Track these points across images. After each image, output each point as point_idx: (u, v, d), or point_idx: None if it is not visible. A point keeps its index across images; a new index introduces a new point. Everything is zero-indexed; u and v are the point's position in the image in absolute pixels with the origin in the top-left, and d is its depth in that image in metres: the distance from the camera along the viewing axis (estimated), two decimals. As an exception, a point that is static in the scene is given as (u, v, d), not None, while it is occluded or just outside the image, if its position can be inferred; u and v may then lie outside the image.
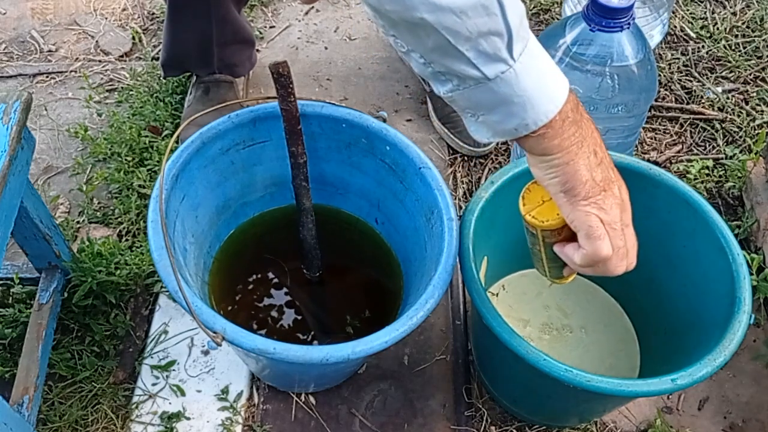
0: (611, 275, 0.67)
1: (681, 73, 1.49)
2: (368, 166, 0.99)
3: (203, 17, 1.21)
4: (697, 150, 1.37)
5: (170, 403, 1.05)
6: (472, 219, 0.88)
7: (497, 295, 1.09)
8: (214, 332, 0.75)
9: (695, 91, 1.45)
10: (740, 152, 1.35)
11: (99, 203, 1.27)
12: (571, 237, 0.68)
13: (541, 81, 0.59)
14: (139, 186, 1.27)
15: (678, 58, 1.51)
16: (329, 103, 0.94)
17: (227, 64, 1.32)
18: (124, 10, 1.62)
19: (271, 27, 1.59)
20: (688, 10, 1.61)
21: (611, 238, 0.64)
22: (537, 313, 1.08)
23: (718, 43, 1.54)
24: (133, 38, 1.56)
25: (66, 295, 1.09)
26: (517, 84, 0.58)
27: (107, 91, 1.46)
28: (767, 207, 1.20)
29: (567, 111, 0.60)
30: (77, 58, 1.52)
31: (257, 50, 1.45)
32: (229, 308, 1.02)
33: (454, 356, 1.10)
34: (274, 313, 1.04)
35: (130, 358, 1.08)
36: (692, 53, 1.53)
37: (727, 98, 1.44)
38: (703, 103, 1.44)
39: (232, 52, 1.31)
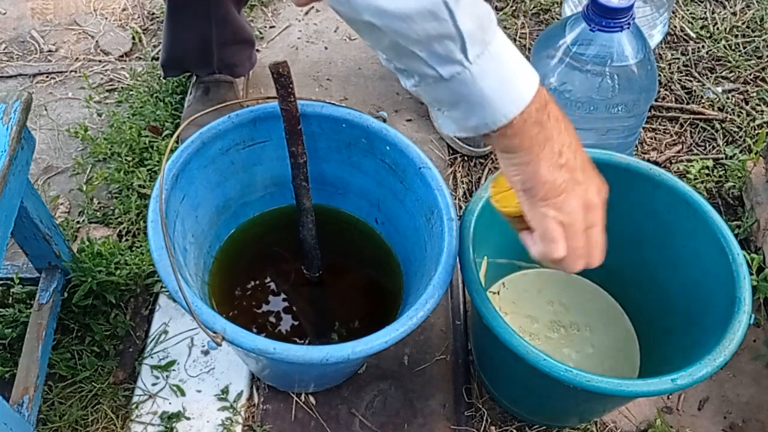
0: (568, 272, 0.69)
1: (681, 73, 1.49)
2: (368, 166, 0.99)
3: (203, 17, 1.21)
4: (697, 150, 1.37)
5: (170, 403, 1.05)
6: (472, 219, 0.88)
7: (498, 293, 1.09)
8: (214, 332, 0.75)
9: (695, 91, 1.45)
10: (740, 152, 1.35)
11: (99, 203, 1.27)
12: None
13: (501, 82, 0.59)
14: (139, 186, 1.27)
15: (678, 58, 1.51)
16: (329, 103, 0.94)
17: (227, 64, 1.32)
18: (124, 10, 1.62)
19: (271, 27, 1.59)
20: (688, 10, 1.61)
21: (568, 239, 0.65)
22: (542, 309, 1.08)
23: (718, 43, 1.54)
24: (133, 38, 1.56)
25: (66, 295, 1.09)
26: (474, 85, 0.59)
27: (107, 91, 1.46)
28: (767, 207, 1.20)
29: (531, 111, 0.60)
30: (77, 58, 1.52)
31: (257, 50, 1.45)
32: (229, 308, 1.02)
33: (454, 356, 1.10)
34: (274, 313, 1.04)
35: (130, 358, 1.08)
36: (692, 53, 1.53)
37: (727, 98, 1.44)
38: (703, 103, 1.44)
39: (232, 52, 1.31)
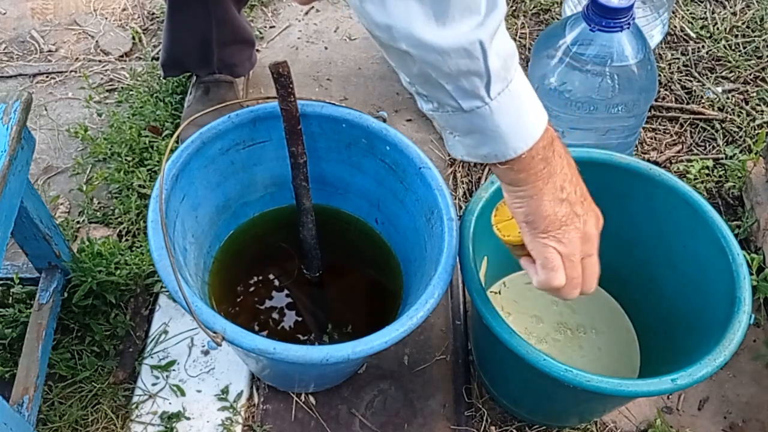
0: (564, 299, 0.72)
1: (681, 73, 1.49)
2: (368, 166, 0.99)
3: (203, 17, 1.21)
4: (697, 150, 1.37)
5: (170, 403, 1.05)
6: (472, 219, 0.88)
7: (499, 293, 1.09)
8: (214, 332, 0.75)
9: (695, 91, 1.45)
10: (740, 152, 1.35)
11: (99, 203, 1.27)
12: None
13: (515, 119, 0.62)
14: (139, 186, 1.27)
15: (678, 58, 1.51)
16: (329, 103, 0.94)
17: (227, 64, 1.32)
18: (124, 10, 1.62)
19: (271, 27, 1.59)
20: (688, 10, 1.61)
21: (567, 269, 0.68)
22: (547, 309, 1.08)
23: (718, 43, 1.54)
24: (133, 38, 1.56)
25: (66, 295, 1.09)
26: (491, 119, 0.61)
27: (107, 91, 1.46)
28: (767, 207, 1.20)
29: (538, 148, 0.63)
30: (77, 58, 1.52)
31: (257, 50, 1.45)
32: (229, 308, 1.02)
33: (454, 356, 1.10)
34: (274, 313, 1.04)
35: (130, 358, 1.08)
36: (692, 53, 1.53)
37: (727, 98, 1.44)
38: (703, 103, 1.44)
39: (231, 52, 1.31)
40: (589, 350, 1.04)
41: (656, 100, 1.43)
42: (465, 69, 0.58)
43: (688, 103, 1.44)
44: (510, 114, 0.61)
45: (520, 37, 1.55)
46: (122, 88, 1.46)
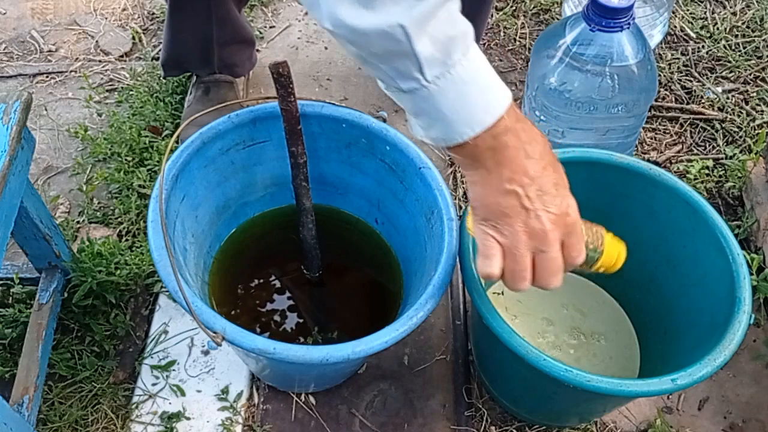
0: (511, 289, 0.71)
1: (681, 73, 1.49)
2: (368, 166, 0.99)
3: (204, 17, 1.21)
4: (697, 150, 1.37)
5: (170, 403, 1.05)
6: (472, 219, 0.88)
7: (502, 293, 1.09)
8: (214, 332, 0.75)
9: (695, 91, 1.45)
10: (740, 152, 1.35)
11: (99, 203, 1.27)
12: None
13: (460, 104, 0.60)
14: (139, 186, 1.27)
15: (678, 58, 1.51)
16: (329, 103, 0.94)
17: (227, 64, 1.32)
18: (124, 10, 1.62)
19: (271, 27, 1.59)
20: (688, 10, 1.61)
21: (508, 260, 0.67)
22: (558, 312, 1.08)
23: (718, 43, 1.54)
24: (133, 38, 1.56)
25: (66, 295, 1.09)
26: (432, 102, 0.61)
27: (107, 91, 1.46)
28: (767, 207, 1.20)
29: (485, 137, 0.62)
30: (77, 58, 1.52)
31: (257, 50, 1.45)
32: (229, 308, 1.02)
33: (454, 356, 1.10)
34: (274, 313, 1.04)
35: (130, 358, 1.09)
36: (692, 53, 1.53)
37: (727, 98, 1.44)
38: (703, 103, 1.44)
39: (232, 52, 1.31)
40: (602, 358, 1.04)
41: (656, 100, 1.43)
42: (391, 51, 0.57)
43: (688, 103, 1.44)
44: (452, 98, 0.60)
45: (520, 37, 1.55)
46: (122, 88, 1.46)
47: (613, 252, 0.74)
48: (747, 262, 0.86)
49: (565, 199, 0.66)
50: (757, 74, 1.49)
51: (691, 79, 1.48)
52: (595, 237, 0.73)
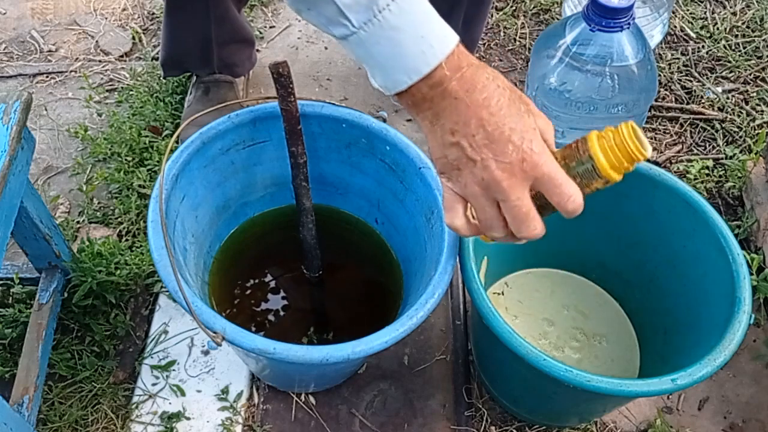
0: (487, 239, 0.68)
1: (681, 73, 1.49)
2: (368, 166, 0.99)
3: (202, 15, 1.21)
4: (697, 150, 1.37)
5: (170, 403, 1.05)
6: (472, 219, 0.88)
7: (502, 293, 1.09)
8: (214, 332, 0.75)
9: (695, 91, 1.45)
10: (740, 152, 1.35)
11: (99, 203, 1.27)
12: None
13: (392, 52, 0.59)
14: (139, 186, 1.27)
15: (678, 58, 1.51)
16: (329, 103, 0.94)
17: (227, 64, 1.32)
18: (124, 10, 1.62)
19: (271, 27, 1.59)
20: (688, 10, 1.61)
21: (475, 209, 0.65)
22: (559, 313, 1.08)
23: (718, 43, 1.54)
24: (133, 38, 1.56)
25: (66, 295, 1.09)
26: (366, 49, 0.60)
27: (107, 91, 1.46)
28: (767, 207, 1.20)
29: (421, 87, 0.60)
30: (77, 58, 1.52)
31: (257, 50, 1.45)
32: (229, 308, 1.02)
33: (454, 356, 1.10)
34: (274, 313, 1.04)
35: (130, 358, 1.09)
36: (692, 53, 1.53)
37: (727, 98, 1.44)
38: (703, 103, 1.44)
39: (231, 52, 1.31)
40: (604, 360, 1.04)
41: (656, 100, 1.43)
42: None
43: (688, 103, 1.44)
44: (385, 46, 0.59)
45: (520, 37, 1.55)
46: (122, 88, 1.46)
47: (611, 147, 0.63)
48: (747, 262, 0.86)
49: (521, 145, 0.61)
50: (757, 74, 1.49)
51: (691, 79, 1.48)
52: (577, 151, 0.63)
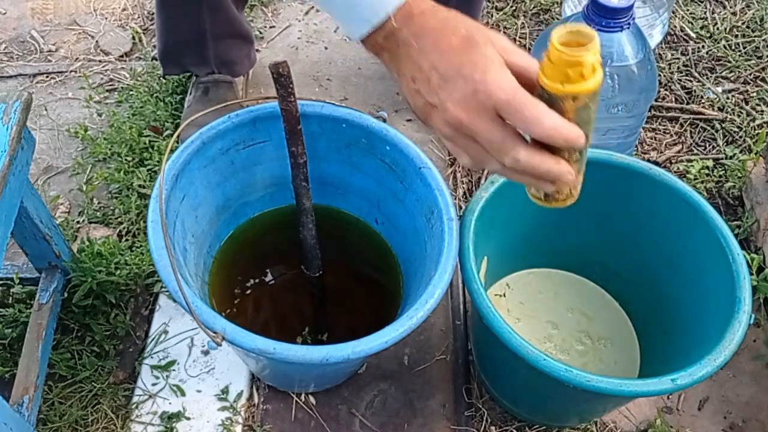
0: (501, 172, 0.64)
1: (681, 73, 1.49)
2: (368, 166, 0.99)
3: (194, 5, 1.21)
4: (697, 150, 1.37)
5: (170, 403, 1.05)
6: (472, 219, 0.88)
7: (504, 295, 1.09)
8: (214, 332, 0.75)
9: (695, 91, 1.45)
10: (740, 152, 1.35)
11: (99, 203, 1.27)
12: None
13: (347, 2, 0.61)
14: (139, 186, 1.27)
15: (678, 58, 1.51)
16: (329, 103, 0.94)
17: (224, 62, 1.32)
18: (124, 10, 1.62)
19: (271, 27, 1.59)
20: (688, 10, 1.61)
21: (463, 148, 0.63)
22: (563, 316, 1.07)
23: (718, 43, 1.54)
24: (133, 38, 1.56)
25: (66, 295, 1.09)
26: (321, 1, 0.62)
27: (107, 91, 1.46)
28: (767, 207, 1.20)
29: (376, 37, 0.62)
30: (77, 58, 1.52)
31: (257, 50, 1.45)
32: (229, 308, 1.02)
33: (454, 356, 1.10)
34: (274, 313, 1.04)
35: (130, 358, 1.08)
36: (692, 53, 1.53)
37: (727, 98, 1.44)
38: (703, 103, 1.44)
39: (228, 47, 1.31)
40: (608, 363, 1.04)
41: (656, 100, 1.43)
42: None
43: (688, 103, 1.44)
44: None
45: (520, 37, 1.55)
46: (122, 88, 1.46)
47: (548, 59, 0.56)
48: (747, 262, 0.86)
49: (471, 76, 0.58)
50: (757, 74, 1.49)
51: (691, 79, 1.48)
52: (553, 70, 0.56)
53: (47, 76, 1.48)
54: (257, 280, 1.06)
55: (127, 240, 1.21)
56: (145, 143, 1.31)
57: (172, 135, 1.33)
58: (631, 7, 1.03)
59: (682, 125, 1.40)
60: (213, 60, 1.30)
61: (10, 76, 1.49)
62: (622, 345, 1.05)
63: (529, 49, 1.52)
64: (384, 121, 1.36)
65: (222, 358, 1.09)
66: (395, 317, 0.89)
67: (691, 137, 1.39)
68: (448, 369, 1.09)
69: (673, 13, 1.58)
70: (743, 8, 1.61)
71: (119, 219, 1.24)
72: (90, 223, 1.24)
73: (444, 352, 1.11)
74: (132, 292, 1.14)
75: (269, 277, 1.07)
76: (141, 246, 1.19)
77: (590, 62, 0.54)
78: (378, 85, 1.47)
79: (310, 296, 1.08)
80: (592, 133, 0.62)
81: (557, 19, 1.58)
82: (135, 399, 1.05)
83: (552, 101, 0.57)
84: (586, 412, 1.00)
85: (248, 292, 1.05)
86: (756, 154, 1.29)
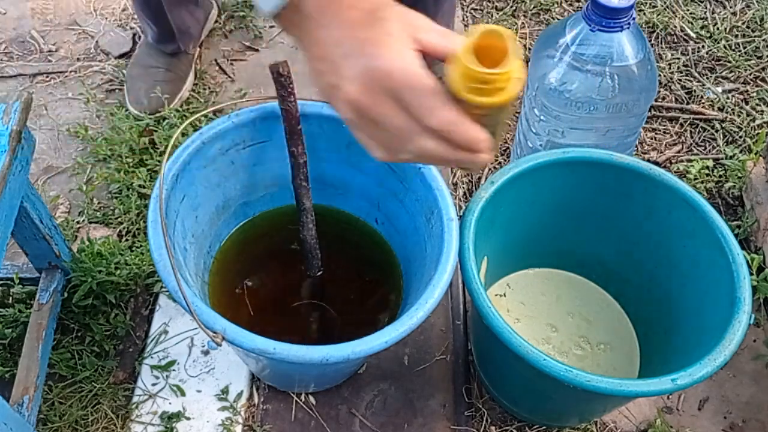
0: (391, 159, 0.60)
1: (681, 73, 1.49)
2: (368, 166, 0.98)
3: None
4: (697, 150, 1.37)
5: (170, 403, 1.05)
6: (472, 219, 0.88)
7: (504, 295, 1.09)
8: (214, 332, 0.75)
9: (695, 91, 1.45)
10: (740, 152, 1.35)
11: (99, 203, 1.27)
12: None
13: None
14: (139, 186, 1.27)
15: (678, 58, 1.51)
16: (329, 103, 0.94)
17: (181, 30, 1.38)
18: (124, 10, 1.62)
19: (271, 27, 1.58)
20: (688, 10, 1.61)
21: (369, 135, 0.59)
22: (563, 320, 1.07)
23: (718, 43, 1.54)
24: (133, 38, 1.56)
25: (66, 295, 1.09)
26: None
27: (107, 91, 1.46)
28: (767, 207, 1.20)
29: (287, 13, 0.57)
30: (77, 58, 1.52)
31: (257, 50, 1.45)
32: (229, 308, 1.02)
33: (454, 356, 1.10)
34: (274, 313, 1.04)
35: (130, 358, 1.08)
36: (692, 53, 1.53)
37: (727, 98, 1.44)
38: (703, 103, 1.44)
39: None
40: (606, 368, 1.04)
41: (656, 100, 1.43)
42: None
43: (688, 103, 1.44)
44: None
45: (520, 37, 1.55)
46: (122, 88, 1.45)
47: (454, 65, 0.50)
48: (747, 262, 0.86)
49: (371, 54, 0.54)
50: (757, 74, 1.49)
51: (691, 79, 1.48)
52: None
53: (47, 76, 1.48)
54: (257, 280, 1.06)
55: (127, 240, 1.21)
56: (144, 143, 1.31)
57: (172, 127, 1.33)
58: (631, 7, 1.03)
59: (682, 125, 1.40)
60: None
61: (10, 76, 1.48)
62: (621, 350, 1.05)
63: (529, 49, 1.52)
64: (384, 121, 1.35)
65: (222, 358, 1.09)
66: (395, 317, 0.89)
67: (691, 137, 1.39)
68: (448, 369, 1.09)
69: (673, 13, 1.58)
70: (743, 8, 1.61)
71: (119, 219, 1.24)
72: (90, 223, 1.24)
73: (444, 352, 1.11)
74: (132, 292, 1.14)
75: (269, 277, 1.07)
76: (141, 246, 1.19)
77: (502, 80, 0.48)
78: (378, 85, 1.46)
79: (310, 296, 1.08)
80: (503, 127, 0.56)
81: (557, 19, 1.58)
82: (135, 399, 1.05)
83: (456, 97, 0.51)
84: (586, 412, 1.00)
85: (248, 292, 1.05)
86: (756, 154, 1.29)
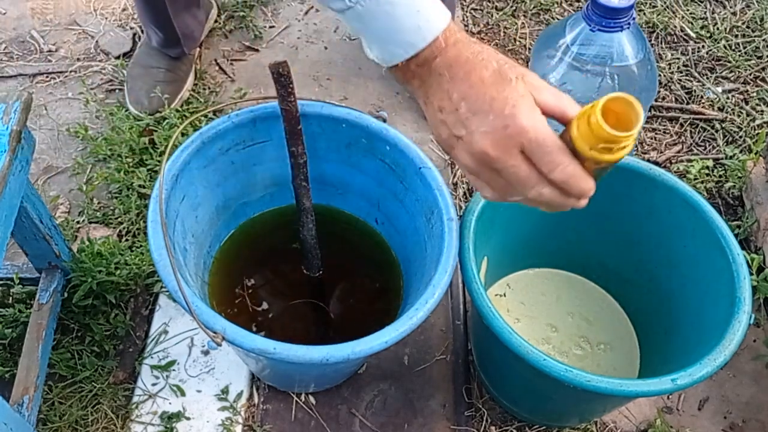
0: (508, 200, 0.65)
1: (681, 73, 1.49)
2: (368, 166, 0.99)
3: None
4: (697, 150, 1.37)
5: (170, 403, 1.05)
6: (472, 219, 0.88)
7: (504, 295, 1.09)
8: (214, 332, 0.75)
9: (695, 91, 1.45)
10: (740, 152, 1.35)
11: (99, 203, 1.27)
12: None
13: (390, 25, 0.61)
14: (139, 186, 1.27)
15: (678, 58, 1.51)
16: (329, 103, 0.94)
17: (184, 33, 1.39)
18: (124, 10, 1.62)
19: (271, 27, 1.59)
20: (688, 10, 1.61)
21: (486, 181, 0.64)
22: (563, 320, 1.07)
23: (718, 43, 1.54)
24: (133, 38, 1.56)
25: (66, 295, 1.09)
26: (365, 23, 0.62)
27: (107, 91, 1.46)
28: (767, 207, 1.20)
29: (410, 66, 0.62)
30: (77, 58, 1.52)
31: (257, 50, 1.45)
32: (229, 308, 1.02)
33: (454, 356, 1.10)
34: (274, 313, 1.04)
35: (130, 358, 1.08)
36: (692, 53, 1.53)
37: (727, 98, 1.44)
38: (703, 103, 1.44)
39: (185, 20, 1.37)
40: (606, 369, 1.04)
41: (656, 100, 1.43)
42: None
43: (688, 103, 1.44)
44: (380, 19, 0.60)
45: (520, 37, 1.55)
46: (122, 88, 1.45)
47: (586, 127, 0.57)
48: (747, 262, 0.86)
49: (503, 112, 0.59)
50: (757, 74, 1.49)
51: (691, 79, 1.48)
52: (569, 127, 0.59)
53: (47, 76, 1.48)
54: (257, 280, 1.06)
55: (127, 240, 1.21)
56: (144, 143, 1.31)
57: (171, 127, 1.33)
58: (631, 7, 1.03)
59: (682, 125, 1.40)
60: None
61: (10, 76, 1.48)
62: (621, 350, 1.05)
63: (529, 49, 1.52)
64: (384, 121, 1.35)
65: (222, 358, 1.09)
66: (395, 317, 0.89)
67: (691, 137, 1.39)
68: (448, 369, 1.09)
69: (673, 13, 1.59)
70: (743, 8, 1.61)
71: (119, 219, 1.24)
72: (90, 223, 1.24)
73: (444, 352, 1.11)
74: (132, 292, 1.14)
75: (269, 277, 1.07)
76: (141, 246, 1.19)
77: (628, 141, 0.56)
78: (378, 85, 1.47)
79: (310, 296, 1.08)
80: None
81: (557, 19, 1.58)
82: (135, 399, 1.05)
83: (575, 151, 0.59)
84: (586, 412, 1.00)
85: (248, 292, 1.05)
86: (756, 154, 1.29)
